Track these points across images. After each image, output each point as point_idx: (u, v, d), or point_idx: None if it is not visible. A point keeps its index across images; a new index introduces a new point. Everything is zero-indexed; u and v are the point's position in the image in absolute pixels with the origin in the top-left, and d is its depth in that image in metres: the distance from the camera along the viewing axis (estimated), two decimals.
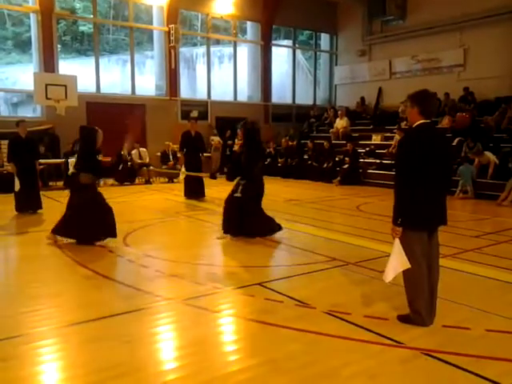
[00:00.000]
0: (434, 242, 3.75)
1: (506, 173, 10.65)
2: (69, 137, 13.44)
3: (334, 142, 15.92)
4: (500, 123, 12.82)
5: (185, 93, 17.05)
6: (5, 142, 12.09)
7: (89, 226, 6.19)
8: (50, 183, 12.77)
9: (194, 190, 10.57)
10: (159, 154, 14.67)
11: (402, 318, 3.74)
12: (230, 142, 17.18)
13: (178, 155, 9.96)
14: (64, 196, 10.65)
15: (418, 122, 3.63)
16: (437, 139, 3.66)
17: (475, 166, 11.37)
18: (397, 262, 3.60)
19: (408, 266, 3.56)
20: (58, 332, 3.61)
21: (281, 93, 19.60)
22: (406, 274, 3.66)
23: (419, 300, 3.63)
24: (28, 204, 8.66)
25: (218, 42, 18.81)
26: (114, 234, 6.34)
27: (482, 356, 3.18)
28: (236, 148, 18.15)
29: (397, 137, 13.79)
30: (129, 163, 13.93)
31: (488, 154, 11.47)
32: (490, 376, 2.92)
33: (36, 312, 3.96)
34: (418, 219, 3.58)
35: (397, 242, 3.60)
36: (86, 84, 14.74)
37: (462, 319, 3.78)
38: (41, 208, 8.84)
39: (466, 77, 15.24)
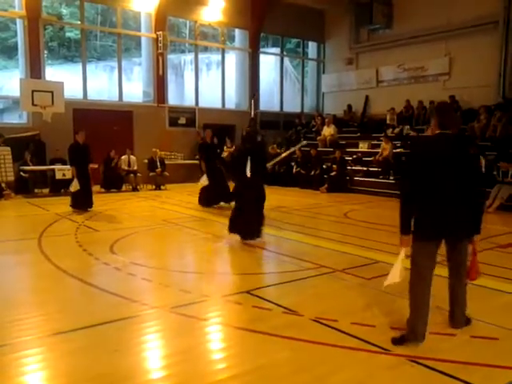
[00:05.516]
0: (455, 253, 3.66)
1: (491, 180, 10.78)
2: (55, 143, 13.34)
3: (321, 149, 16.00)
4: (485, 131, 12.99)
5: (172, 100, 17.01)
6: None
7: (253, 222, 6.79)
8: (36, 190, 12.63)
9: (209, 199, 10.52)
10: (146, 160, 14.58)
11: (397, 341, 3.47)
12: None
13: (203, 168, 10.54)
14: (50, 204, 10.64)
15: (434, 133, 3.58)
16: (449, 148, 3.49)
17: None
18: (394, 272, 3.55)
19: (397, 279, 3.50)
20: (43, 341, 3.56)
21: (269, 100, 19.64)
22: (409, 284, 3.53)
23: (415, 316, 3.48)
24: (83, 203, 9.72)
25: (206, 49, 18.82)
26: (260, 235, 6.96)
27: (467, 362, 3.20)
28: (225, 155, 18.29)
29: (383, 145, 13.91)
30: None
31: (481, 157, 11.57)
32: (477, 382, 2.94)
33: (21, 321, 3.91)
34: (421, 229, 3.46)
35: (401, 251, 3.54)
36: (72, 90, 14.62)
37: (448, 326, 3.79)
38: (91, 207, 9.86)
39: (451, 85, 15.42)
